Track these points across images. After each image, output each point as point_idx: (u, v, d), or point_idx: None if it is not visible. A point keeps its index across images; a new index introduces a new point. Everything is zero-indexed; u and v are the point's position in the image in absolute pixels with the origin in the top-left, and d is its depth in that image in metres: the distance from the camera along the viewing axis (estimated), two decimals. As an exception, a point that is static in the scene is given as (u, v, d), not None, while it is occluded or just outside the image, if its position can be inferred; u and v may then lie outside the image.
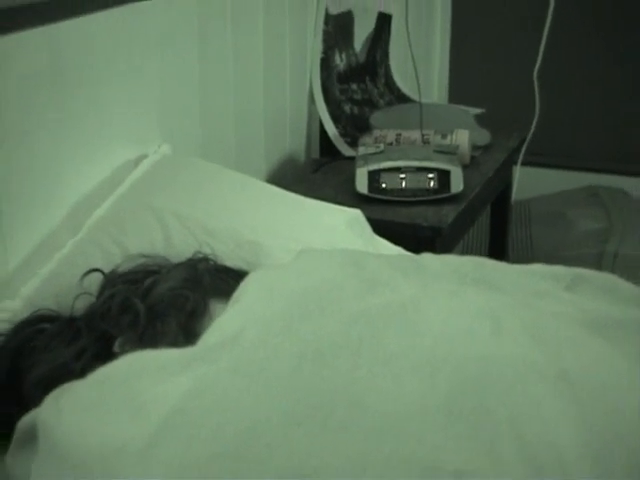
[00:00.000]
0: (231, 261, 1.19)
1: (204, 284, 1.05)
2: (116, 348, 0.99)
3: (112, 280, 1.11)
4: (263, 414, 0.67)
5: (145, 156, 1.47)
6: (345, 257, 0.93)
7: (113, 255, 1.22)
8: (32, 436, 0.80)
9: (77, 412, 0.76)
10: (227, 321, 0.83)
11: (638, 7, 2.63)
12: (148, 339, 0.98)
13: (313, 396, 0.69)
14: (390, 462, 0.63)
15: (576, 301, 0.91)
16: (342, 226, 1.35)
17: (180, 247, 1.23)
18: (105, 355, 0.96)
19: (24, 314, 1.11)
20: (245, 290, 0.89)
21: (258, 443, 0.65)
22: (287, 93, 2.01)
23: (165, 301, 1.03)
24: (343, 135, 2.09)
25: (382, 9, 2.33)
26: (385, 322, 0.77)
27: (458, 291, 0.87)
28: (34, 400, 0.87)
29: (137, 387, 0.75)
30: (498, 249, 2.33)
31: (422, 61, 2.44)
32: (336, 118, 2.11)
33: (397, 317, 0.78)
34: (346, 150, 2.06)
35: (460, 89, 2.79)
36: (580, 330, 0.80)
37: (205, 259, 1.15)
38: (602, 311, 0.88)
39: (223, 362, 0.74)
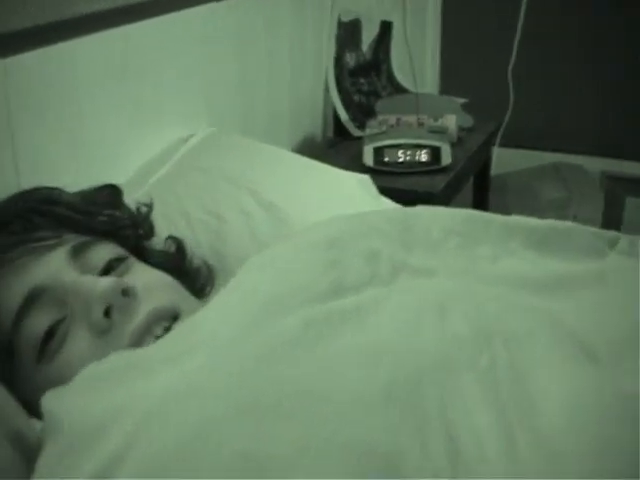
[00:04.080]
0: (251, 218, 1.21)
1: None
2: None
3: None
4: (221, 407, 0.63)
5: (193, 135, 1.48)
6: (322, 252, 0.83)
7: (170, 204, 1.22)
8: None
9: (74, 399, 0.70)
10: (205, 322, 0.76)
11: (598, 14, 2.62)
12: None
13: (264, 390, 0.64)
14: (328, 446, 0.59)
15: (539, 262, 0.86)
16: (354, 184, 1.36)
17: (225, 199, 1.25)
18: None
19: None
20: (227, 292, 0.81)
21: (216, 431, 0.61)
22: (308, 85, 2.01)
23: None
24: (352, 120, 2.10)
25: (384, 18, 2.33)
26: (340, 323, 0.71)
27: (412, 286, 0.79)
28: None
29: (125, 383, 0.69)
30: (480, 214, 2.30)
31: (417, 60, 2.44)
32: (347, 105, 2.11)
33: (352, 318, 0.71)
34: (355, 132, 2.07)
35: (448, 82, 2.79)
36: (521, 309, 0.74)
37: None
38: (559, 270, 0.83)
39: (196, 361, 0.68)
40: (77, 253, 0.89)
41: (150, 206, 1.07)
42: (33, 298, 0.84)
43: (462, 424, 0.60)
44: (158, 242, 1.07)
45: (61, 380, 0.78)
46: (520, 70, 2.60)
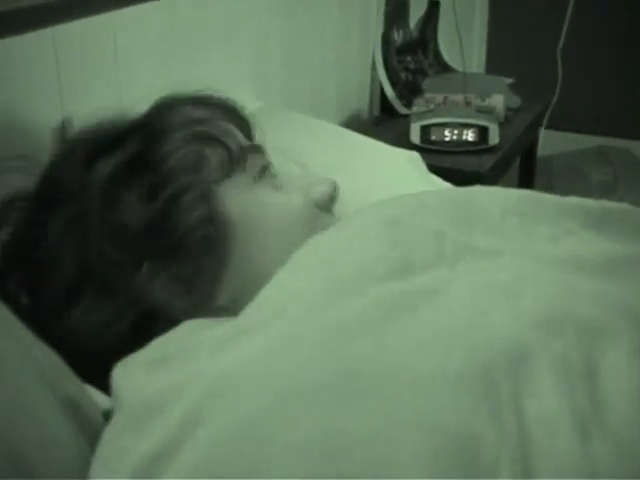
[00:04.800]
0: None
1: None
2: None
3: None
4: (296, 380, 0.62)
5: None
6: (385, 230, 0.81)
7: None
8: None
9: (140, 374, 0.69)
10: (271, 298, 0.75)
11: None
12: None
13: (340, 365, 0.63)
14: (401, 425, 0.58)
15: (597, 243, 0.84)
16: (403, 161, 1.34)
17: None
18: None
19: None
20: (291, 268, 0.79)
21: (292, 405, 0.60)
22: (354, 62, 2.00)
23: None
24: (399, 97, 2.08)
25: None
26: (411, 304, 0.69)
27: (480, 267, 0.77)
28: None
29: (194, 357, 0.68)
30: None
31: (464, 39, 2.41)
32: (394, 83, 2.10)
33: (423, 299, 0.70)
34: (401, 109, 2.06)
35: (495, 62, 2.76)
36: (589, 294, 0.72)
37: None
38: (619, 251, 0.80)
39: (265, 337, 0.67)
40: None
41: None
42: None
43: (535, 412, 0.59)
44: None
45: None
46: (569, 51, 2.56)
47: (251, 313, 0.74)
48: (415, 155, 1.39)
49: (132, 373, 0.70)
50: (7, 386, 0.66)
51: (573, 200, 0.91)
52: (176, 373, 0.66)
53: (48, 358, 0.74)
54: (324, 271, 0.76)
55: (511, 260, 0.79)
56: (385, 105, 2.09)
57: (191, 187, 0.86)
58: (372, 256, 0.77)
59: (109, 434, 0.66)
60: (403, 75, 2.15)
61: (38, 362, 0.71)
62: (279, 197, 0.92)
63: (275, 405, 0.60)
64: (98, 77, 1.20)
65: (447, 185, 1.35)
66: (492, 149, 1.79)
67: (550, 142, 2.56)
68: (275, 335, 0.67)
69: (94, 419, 0.70)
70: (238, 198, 0.90)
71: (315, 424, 0.58)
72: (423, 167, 1.39)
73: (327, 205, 0.95)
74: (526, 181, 2.32)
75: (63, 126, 1.11)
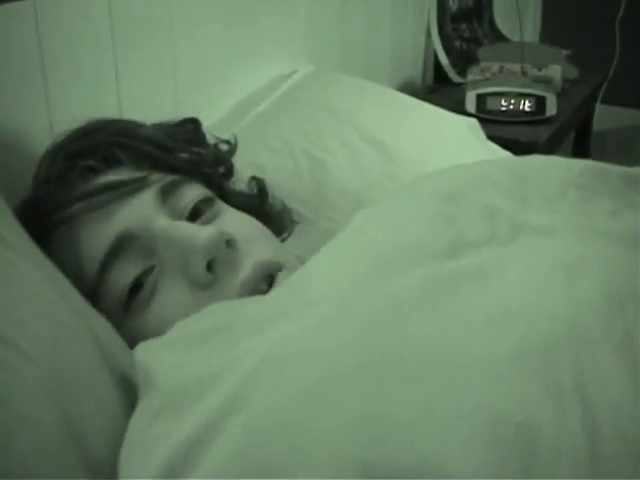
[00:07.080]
0: (356, 152, 1.16)
1: None
2: None
3: None
4: (339, 364, 0.57)
5: (296, 71, 1.44)
6: (438, 207, 0.76)
7: (272, 135, 1.18)
8: None
9: (173, 355, 0.64)
10: (314, 282, 0.69)
11: None
12: None
13: (385, 348, 0.58)
14: (456, 412, 0.52)
15: None
16: (463, 127, 1.30)
17: (329, 132, 1.20)
18: None
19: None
20: (336, 250, 0.74)
21: (333, 392, 0.55)
22: (409, 29, 1.96)
23: None
24: (453, 66, 2.04)
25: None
26: (462, 283, 0.64)
27: (538, 245, 0.72)
28: None
29: (229, 340, 0.63)
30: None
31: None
32: (448, 51, 2.05)
33: (475, 279, 0.65)
34: (455, 78, 2.01)
35: (550, 33, 2.69)
36: None
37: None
38: None
39: (306, 320, 0.62)
40: (166, 195, 0.81)
41: (232, 144, 0.99)
42: (120, 245, 0.78)
43: (600, 399, 0.54)
44: (234, 181, 1.00)
45: (152, 332, 0.73)
46: (628, 23, 2.48)
47: (290, 297, 0.68)
48: (474, 122, 1.35)
49: (164, 354, 0.65)
50: (66, 353, 0.64)
51: (638, 171, 0.84)
52: (214, 356, 0.62)
53: (104, 330, 0.72)
54: (370, 253, 0.70)
55: (568, 238, 0.73)
56: (438, 73, 2.05)
57: None
58: (423, 236, 0.71)
59: (140, 420, 0.61)
60: (457, 43, 2.11)
61: (94, 332, 0.69)
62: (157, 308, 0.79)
63: (314, 389, 0.55)
64: (152, 34, 1.17)
65: (506, 154, 1.31)
66: (549, 120, 1.74)
67: (604, 117, 2.49)
68: (317, 318, 0.62)
69: None
70: None
71: (356, 409, 0.53)
72: (482, 134, 1.35)
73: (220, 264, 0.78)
74: (580, 156, 2.26)
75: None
